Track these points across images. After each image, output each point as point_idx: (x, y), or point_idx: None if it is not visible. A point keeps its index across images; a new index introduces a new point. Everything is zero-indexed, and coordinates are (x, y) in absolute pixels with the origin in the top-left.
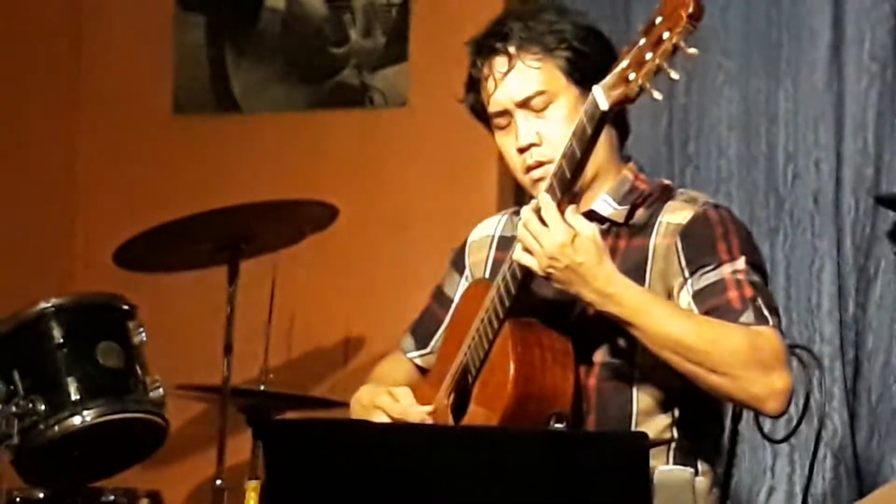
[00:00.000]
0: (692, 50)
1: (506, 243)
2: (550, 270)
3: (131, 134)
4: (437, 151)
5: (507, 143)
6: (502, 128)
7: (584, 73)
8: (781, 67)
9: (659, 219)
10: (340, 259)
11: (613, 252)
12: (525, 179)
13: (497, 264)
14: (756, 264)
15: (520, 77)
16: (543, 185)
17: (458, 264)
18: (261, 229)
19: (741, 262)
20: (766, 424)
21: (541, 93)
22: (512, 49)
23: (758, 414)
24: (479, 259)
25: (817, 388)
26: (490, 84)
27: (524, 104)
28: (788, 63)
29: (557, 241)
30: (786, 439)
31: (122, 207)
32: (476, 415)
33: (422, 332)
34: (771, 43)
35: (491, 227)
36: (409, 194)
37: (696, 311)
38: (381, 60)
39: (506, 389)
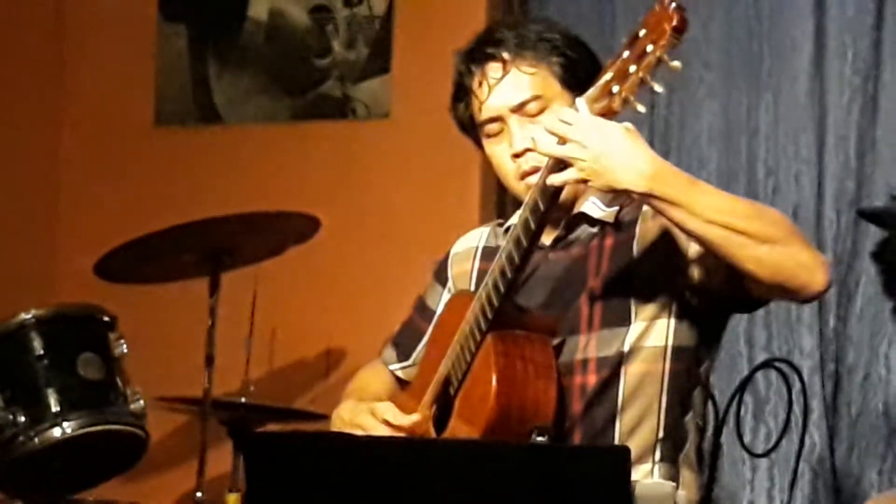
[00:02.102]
0: (676, 63)
1: (490, 254)
2: (585, 167)
3: (113, 145)
4: (419, 163)
5: (498, 150)
6: (494, 135)
7: (576, 80)
8: (763, 80)
9: (644, 209)
10: (322, 271)
11: (600, 251)
12: (519, 186)
13: (482, 275)
14: None
15: (515, 82)
16: (534, 177)
17: (441, 276)
18: (242, 241)
19: None
20: (746, 438)
21: (536, 98)
22: (506, 55)
23: (800, 295)
24: (462, 270)
25: (797, 402)
26: (483, 90)
27: (518, 109)
28: (770, 76)
29: (584, 127)
30: (767, 453)
31: (103, 219)
32: (458, 428)
33: (404, 344)
34: (752, 56)
35: (475, 238)
36: (391, 206)
37: None
38: (363, 72)
39: (488, 402)
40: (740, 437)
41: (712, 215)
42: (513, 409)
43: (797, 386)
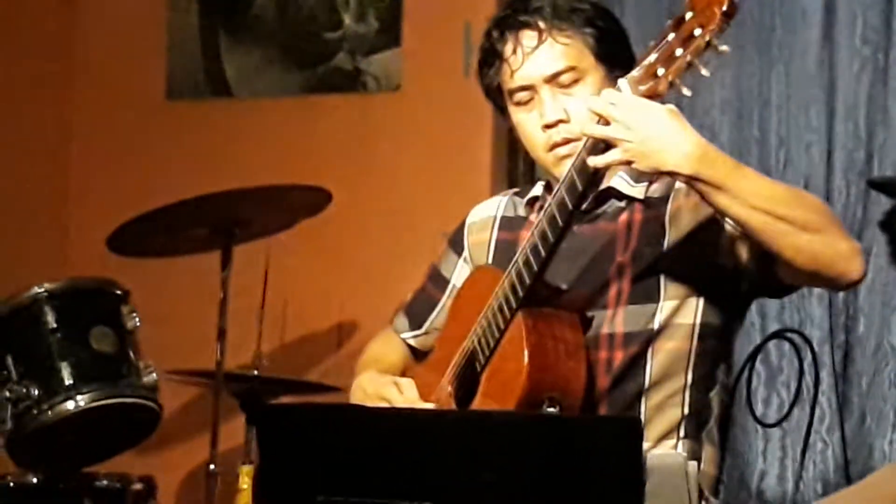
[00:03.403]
0: (724, 47)
1: (509, 224)
2: (630, 149)
3: (125, 119)
4: (429, 136)
5: (527, 119)
6: (523, 104)
7: (609, 53)
8: (773, 51)
9: (676, 187)
10: (333, 244)
11: (629, 226)
12: (548, 157)
13: (500, 245)
14: None
15: (550, 52)
16: (567, 164)
17: (457, 244)
18: (254, 214)
19: None
20: (758, 409)
21: (571, 69)
22: (542, 24)
23: (835, 283)
24: (480, 240)
25: (809, 373)
26: (517, 58)
27: (552, 80)
28: (780, 47)
29: (629, 107)
30: (778, 423)
31: (115, 192)
32: (485, 404)
33: (417, 313)
34: (763, 27)
35: (492, 207)
36: (402, 179)
37: None
38: (374, 45)
39: (519, 380)
40: (751, 407)
41: (756, 201)
42: (543, 388)
43: (808, 356)
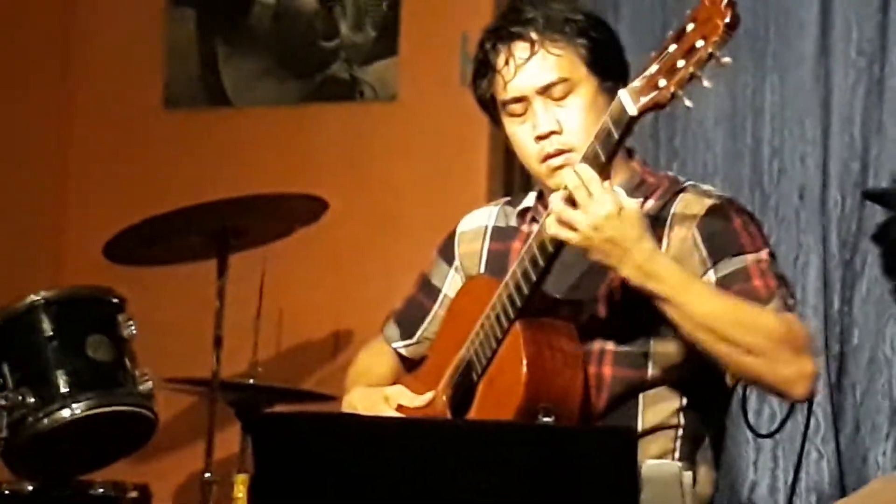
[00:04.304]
0: (727, 59)
1: (500, 234)
2: (590, 242)
3: (122, 128)
4: (426, 145)
5: (521, 131)
6: (517, 115)
7: (602, 63)
8: (768, 62)
9: (672, 210)
10: (330, 252)
11: None
12: (541, 168)
13: (493, 255)
14: (775, 257)
15: (542, 64)
16: (560, 176)
17: (447, 254)
18: (250, 223)
19: (764, 254)
20: (750, 419)
21: (563, 80)
22: (534, 35)
23: (783, 398)
24: (471, 250)
25: None
26: (509, 69)
27: (544, 91)
28: (775, 58)
29: (604, 211)
30: (772, 434)
31: (112, 201)
32: (482, 414)
33: (408, 322)
34: (758, 37)
35: (483, 217)
36: (398, 188)
37: None
38: (371, 54)
39: (517, 390)
40: (746, 416)
41: (700, 319)
42: (541, 398)
43: None
